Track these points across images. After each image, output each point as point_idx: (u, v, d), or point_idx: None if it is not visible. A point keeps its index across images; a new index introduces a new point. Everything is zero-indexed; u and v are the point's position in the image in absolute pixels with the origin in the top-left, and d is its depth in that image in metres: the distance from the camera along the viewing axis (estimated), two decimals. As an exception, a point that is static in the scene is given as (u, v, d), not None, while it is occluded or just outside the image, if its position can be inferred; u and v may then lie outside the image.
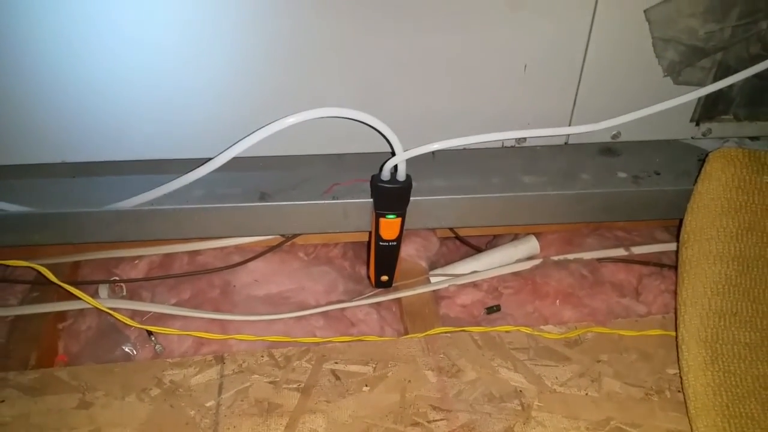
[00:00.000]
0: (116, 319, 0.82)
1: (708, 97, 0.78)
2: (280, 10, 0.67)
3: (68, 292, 0.81)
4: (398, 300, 0.91)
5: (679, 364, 0.77)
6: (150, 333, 0.84)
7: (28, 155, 0.76)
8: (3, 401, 0.73)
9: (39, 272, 0.82)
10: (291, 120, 0.69)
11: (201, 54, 0.69)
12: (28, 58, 0.67)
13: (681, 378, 0.75)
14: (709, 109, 0.81)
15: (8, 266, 0.90)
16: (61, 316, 0.90)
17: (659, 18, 0.70)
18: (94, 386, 0.76)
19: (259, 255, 0.94)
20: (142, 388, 0.75)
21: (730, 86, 0.76)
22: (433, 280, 0.94)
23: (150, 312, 0.86)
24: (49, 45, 0.67)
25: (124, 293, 0.91)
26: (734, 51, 0.75)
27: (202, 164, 0.73)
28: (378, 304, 0.92)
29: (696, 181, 0.80)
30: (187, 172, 0.75)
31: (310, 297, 0.93)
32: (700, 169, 0.80)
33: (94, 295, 0.88)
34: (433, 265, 0.99)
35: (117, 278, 0.92)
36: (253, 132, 0.70)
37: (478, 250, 1.03)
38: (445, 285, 0.93)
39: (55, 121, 0.73)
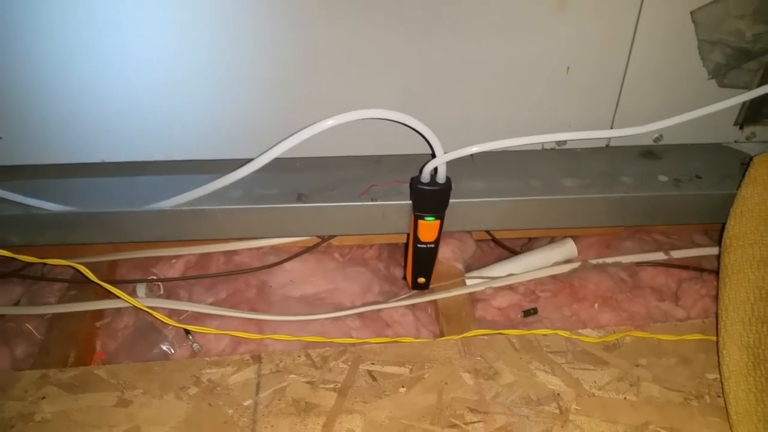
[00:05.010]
0: (154, 318, 0.82)
1: (753, 100, 0.76)
2: (322, 19, 0.67)
3: (105, 290, 0.81)
4: (434, 302, 0.91)
5: (719, 369, 0.76)
6: (188, 332, 0.84)
7: (68, 155, 0.78)
8: (44, 398, 0.74)
9: (76, 271, 0.82)
10: (331, 122, 0.69)
11: (241, 60, 0.70)
12: (69, 59, 0.68)
13: (722, 383, 0.75)
14: (753, 113, 0.79)
15: (46, 265, 0.91)
16: (99, 314, 0.90)
17: (706, 20, 0.69)
18: (133, 384, 0.76)
19: (294, 255, 0.94)
20: (180, 387, 0.76)
21: (776, 89, 0.75)
22: (468, 282, 0.94)
23: (187, 311, 0.87)
24: (89, 48, 0.68)
25: (161, 292, 0.92)
26: (782, 53, 0.74)
27: (243, 165, 0.73)
28: (414, 305, 0.91)
29: (739, 185, 0.79)
30: (225, 173, 0.75)
31: (345, 298, 0.93)
32: (744, 174, 0.79)
33: (132, 294, 0.89)
34: (469, 267, 0.99)
35: (154, 277, 0.93)
36: (295, 133, 0.70)
37: (513, 252, 1.02)
38: (482, 287, 0.92)
39: (94, 122, 0.75)
